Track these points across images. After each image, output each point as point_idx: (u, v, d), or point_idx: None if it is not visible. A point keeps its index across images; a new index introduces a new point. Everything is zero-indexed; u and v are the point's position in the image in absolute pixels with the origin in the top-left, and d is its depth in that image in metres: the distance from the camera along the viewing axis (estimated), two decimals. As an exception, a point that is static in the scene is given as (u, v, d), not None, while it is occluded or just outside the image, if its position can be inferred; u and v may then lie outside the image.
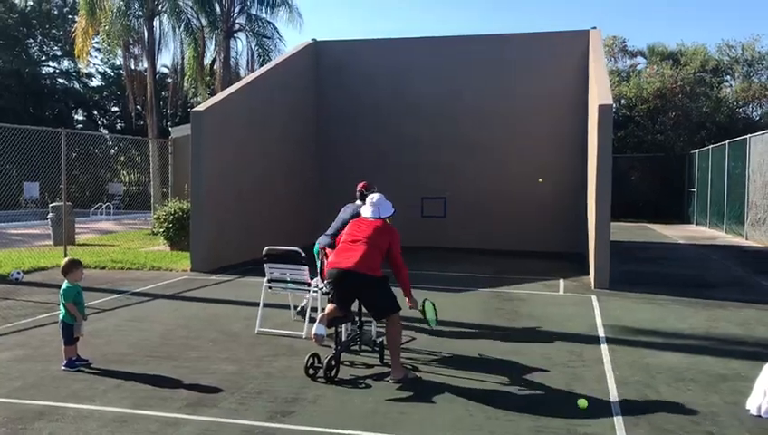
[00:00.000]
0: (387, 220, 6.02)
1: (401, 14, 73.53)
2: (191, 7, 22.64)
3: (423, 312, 6.23)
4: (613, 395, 5.28)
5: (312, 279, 7.11)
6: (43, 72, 41.03)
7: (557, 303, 9.30)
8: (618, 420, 4.74)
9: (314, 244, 7.40)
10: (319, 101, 16.65)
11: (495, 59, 15.68)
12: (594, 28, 14.97)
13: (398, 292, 5.84)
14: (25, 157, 15.42)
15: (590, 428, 4.60)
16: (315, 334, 5.56)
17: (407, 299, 5.99)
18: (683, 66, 30.63)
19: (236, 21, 24.58)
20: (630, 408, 4.99)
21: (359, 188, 7.28)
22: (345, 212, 7.12)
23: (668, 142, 28.25)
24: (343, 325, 6.15)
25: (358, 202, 7.10)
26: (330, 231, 7.11)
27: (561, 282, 11.00)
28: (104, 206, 27.19)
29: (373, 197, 6.13)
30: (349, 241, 5.82)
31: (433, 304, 6.37)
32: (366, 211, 6.06)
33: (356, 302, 6.06)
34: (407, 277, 5.93)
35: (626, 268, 12.19)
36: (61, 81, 41.71)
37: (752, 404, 4.94)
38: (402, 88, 16.18)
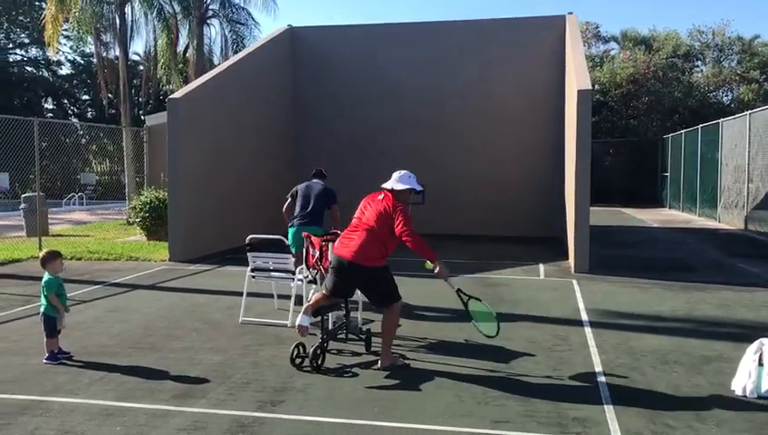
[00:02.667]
0: (398, 197, 5.56)
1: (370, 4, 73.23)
2: (164, -7, 22.30)
3: (465, 306, 5.71)
4: (601, 379, 5.32)
5: (296, 267, 7.05)
6: (11, 59, 40.17)
7: (539, 287, 9.35)
8: (607, 403, 4.77)
9: None
10: (296, 87, 16.49)
11: (473, 44, 15.64)
12: (570, 13, 14.99)
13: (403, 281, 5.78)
14: (-5, 147, 15.06)
15: (580, 411, 4.62)
16: (299, 325, 5.52)
17: (434, 267, 5.46)
18: (655, 51, 30.91)
19: (210, 7, 24.26)
20: (619, 391, 5.03)
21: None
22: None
23: (641, 127, 28.58)
24: (329, 314, 6.10)
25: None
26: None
27: (542, 266, 11.06)
28: (77, 196, 26.74)
29: (400, 172, 5.65)
30: (352, 226, 5.65)
31: (485, 304, 5.75)
32: (387, 183, 5.66)
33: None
34: (420, 245, 5.37)
35: (604, 252, 12.27)
36: (29, 69, 40.89)
37: (737, 385, 5.01)
38: (379, 73, 16.08)
